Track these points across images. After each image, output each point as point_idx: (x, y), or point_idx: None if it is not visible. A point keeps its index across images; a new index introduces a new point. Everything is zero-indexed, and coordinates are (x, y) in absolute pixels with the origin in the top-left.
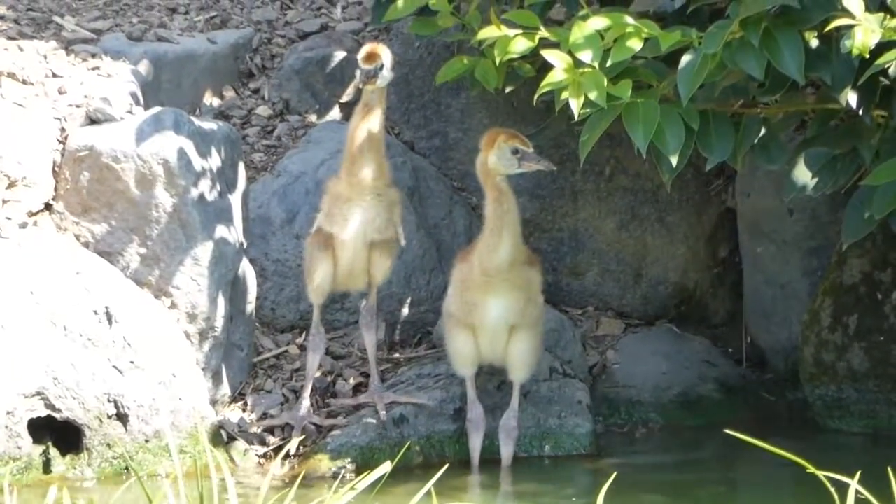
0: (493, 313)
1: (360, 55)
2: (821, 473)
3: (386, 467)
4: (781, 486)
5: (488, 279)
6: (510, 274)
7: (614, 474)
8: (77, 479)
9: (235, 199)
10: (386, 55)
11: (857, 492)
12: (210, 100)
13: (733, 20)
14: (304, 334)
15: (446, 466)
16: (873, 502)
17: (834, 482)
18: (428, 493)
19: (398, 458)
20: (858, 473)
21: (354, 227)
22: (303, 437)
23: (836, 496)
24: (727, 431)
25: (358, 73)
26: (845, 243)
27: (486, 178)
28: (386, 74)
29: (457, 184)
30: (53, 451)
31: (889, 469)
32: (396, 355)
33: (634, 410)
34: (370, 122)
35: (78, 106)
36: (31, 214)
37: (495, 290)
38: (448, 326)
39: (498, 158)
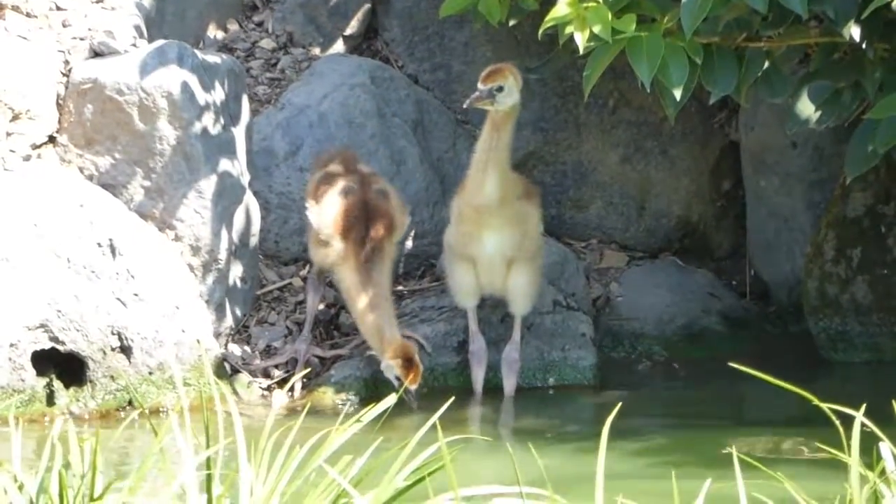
0: (488, 247)
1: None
2: (825, 406)
3: (391, 399)
4: (785, 419)
5: (481, 213)
6: (503, 208)
7: (618, 406)
8: (81, 411)
9: (239, 133)
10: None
11: (862, 424)
12: (214, 33)
13: None
14: (307, 266)
15: (451, 399)
16: (879, 434)
17: (839, 414)
18: (433, 425)
19: (401, 390)
20: (864, 406)
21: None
22: (307, 370)
23: (840, 428)
24: (731, 364)
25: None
26: (849, 176)
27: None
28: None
29: (460, 117)
30: (57, 384)
31: (894, 402)
32: (400, 287)
33: (638, 343)
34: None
35: (82, 39)
36: (35, 147)
37: (489, 224)
38: (448, 258)
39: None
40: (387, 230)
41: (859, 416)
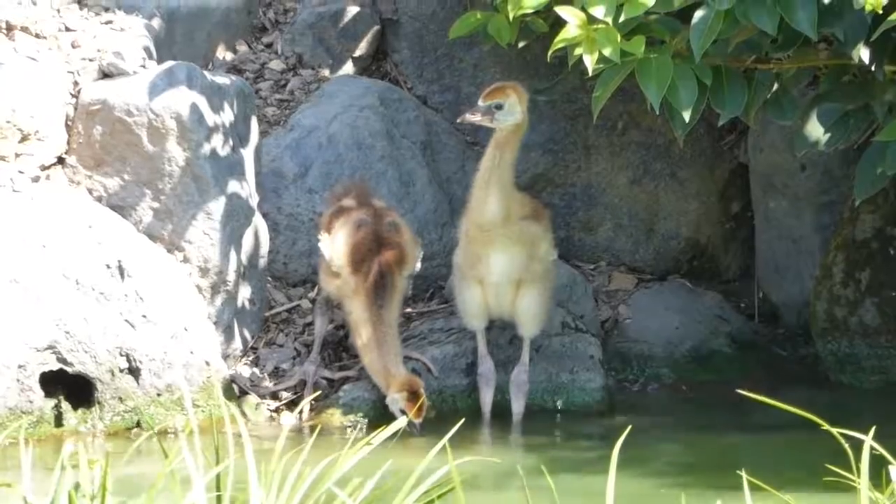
0: (495, 268)
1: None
2: (834, 430)
3: (402, 422)
4: (794, 442)
5: (486, 233)
6: (508, 228)
7: (629, 428)
8: (88, 432)
9: (248, 154)
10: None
11: (871, 447)
12: (223, 54)
13: None
14: (315, 288)
15: (462, 421)
16: (888, 458)
17: (848, 438)
18: (443, 447)
19: (411, 414)
20: (873, 429)
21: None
22: (317, 392)
23: (850, 452)
24: (739, 391)
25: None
26: (858, 199)
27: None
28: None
29: (469, 138)
30: (65, 405)
31: None
32: (409, 310)
33: (646, 365)
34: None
35: (91, 60)
36: (44, 168)
37: (495, 245)
38: (457, 279)
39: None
40: (397, 262)
41: (868, 440)
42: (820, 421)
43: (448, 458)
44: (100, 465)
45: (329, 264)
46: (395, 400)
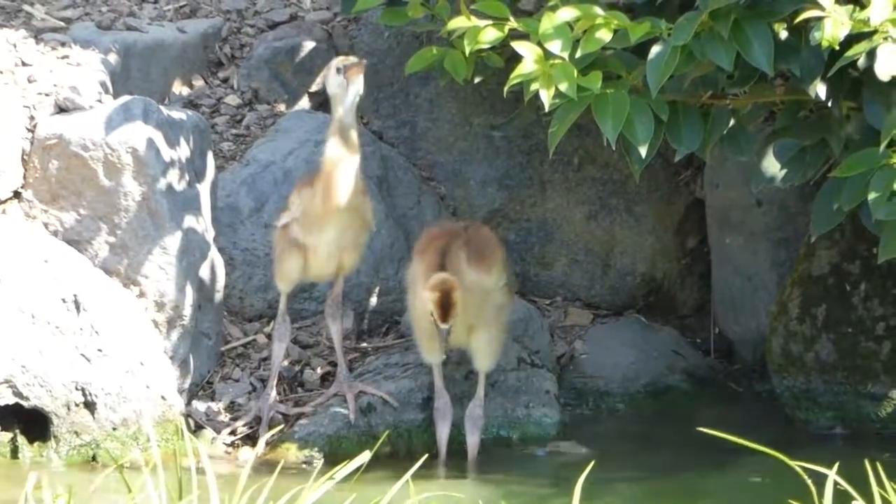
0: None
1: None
2: (796, 464)
3: (365, 457)
4: (754, 478)
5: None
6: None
7: (591, 464)
8: (45, 466)
9: (204, 189)
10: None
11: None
12: (179, 89)
13: (703, 11)
14: (271, 323)
15: (426, 456)
16: (851, 493)
17: (810, 473)
18: (406, 483)
19: (376, 447)
20: (836, 465)
21: (328, 240)
22: (276, 428)
23: (812, 487)
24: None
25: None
26: (814, 235)
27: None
28: (355, 88)
29: (425, 173)
30: (21, 439)
31: (866, 461)
32: (364, 344)
33: (602, 401)
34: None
35: (47, 94)
36: (0, 203)
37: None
38: (413, 317)
39: (422, 302)
40: None
41: (832, 475)
42: (782, 457)
43: (410, 493)
44: (63, 500)
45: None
46: (425, 300)
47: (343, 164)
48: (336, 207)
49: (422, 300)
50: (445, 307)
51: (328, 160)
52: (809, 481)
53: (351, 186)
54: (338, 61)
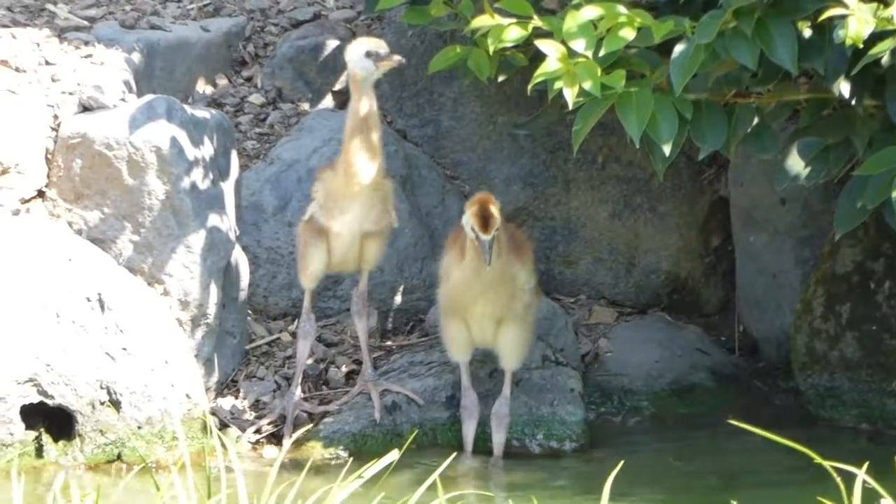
0: (477, 308)
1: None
2: (826, 463)
3: (394, 455)
4: (780, 475)
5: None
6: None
7: (620, 463)
8: (69, 465)
9: (228, 187)
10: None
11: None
12: (203, 88)
13: (726, 10)
14: (296, 321)
15: (454, 455)
16: (880, 492)
17: (838, 472)
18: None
19: (405, 446)
20: (866, 464)
21: (351, 221)
22: (305, 428)
23: (842, 485)
24: (732, 421)
25: (360, 63)
26: (838, 233)
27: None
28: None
29: (449, 172)
30: (46, 438)
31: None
32: (389, 343)
33: (627, 399)
34: (368, 106)
35: (71, 93)
36: (24, 201)
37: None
38: (441, 314)
39: (465, 222)
40: None
41: (861, 474)
42: (812, 454)
43: (438, 493)
44: (91, 499)
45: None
46: (466, 220)
47: (363, 136)
48: (359, 180)
49: (464, 221)
50: (486, 217)
51: (349, 133)
52: (838, 479)
53: (373, 158)
54: (369, 43)
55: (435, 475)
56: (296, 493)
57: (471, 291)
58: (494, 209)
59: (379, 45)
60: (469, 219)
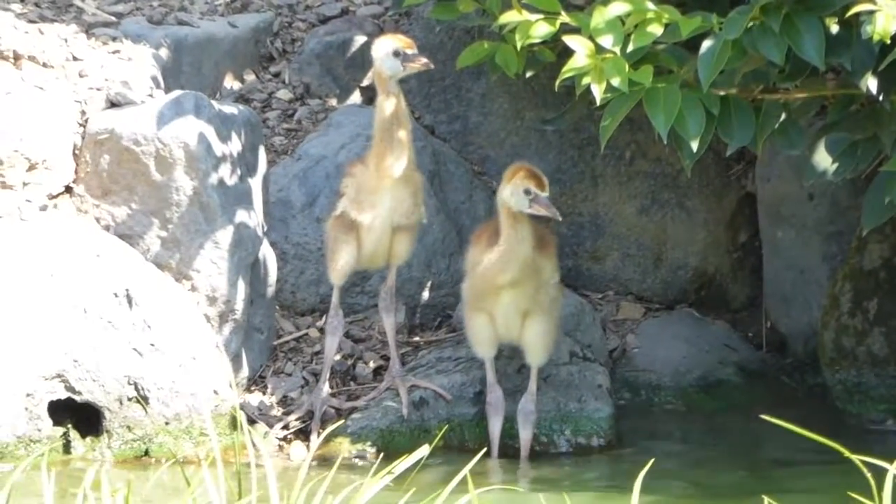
0: (504, 300)
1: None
2: (856, 458)
3: (424, 451)
4: (810, 470)
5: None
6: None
7: (652, 460)
8: (97, 461)
9: (256, 183)
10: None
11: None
12: (230, 83)
13: (754, 5)
14: (324, 317)
15: (483, 451)
16: None
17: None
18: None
19: (434, 442)
20: None
21: (381, 214)
22: (334, 424)
23: (872, 481)
24: (762, 416)
25: (388, 62)
26: (865, 228)
27: (501, 208)
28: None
29: (477, 168)
30: (73, 433)
31: None
32: (416, 339)
33: (654, 394)
34: (396, 104)
35: (98, 89)
36: (52, 197)
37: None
38: (466, 309)
39: (511, 194)
40: None
41: (893, 469)
42: (842, 449)
43: (469, 488)
44: (121, 495)
45: None
46: (515, 186)
47: (391, 131)
48: (389, 173)
49: (509, 196)
50: (538, 175)
51: (377, 128)
52: (868, 474)
53: (402, 151)
54: (397, 41)
55: (465, 471)
56: (326, 490)
57: (501, 277)
58: (537, 169)
59: (408, 45)
60: (520, 182)
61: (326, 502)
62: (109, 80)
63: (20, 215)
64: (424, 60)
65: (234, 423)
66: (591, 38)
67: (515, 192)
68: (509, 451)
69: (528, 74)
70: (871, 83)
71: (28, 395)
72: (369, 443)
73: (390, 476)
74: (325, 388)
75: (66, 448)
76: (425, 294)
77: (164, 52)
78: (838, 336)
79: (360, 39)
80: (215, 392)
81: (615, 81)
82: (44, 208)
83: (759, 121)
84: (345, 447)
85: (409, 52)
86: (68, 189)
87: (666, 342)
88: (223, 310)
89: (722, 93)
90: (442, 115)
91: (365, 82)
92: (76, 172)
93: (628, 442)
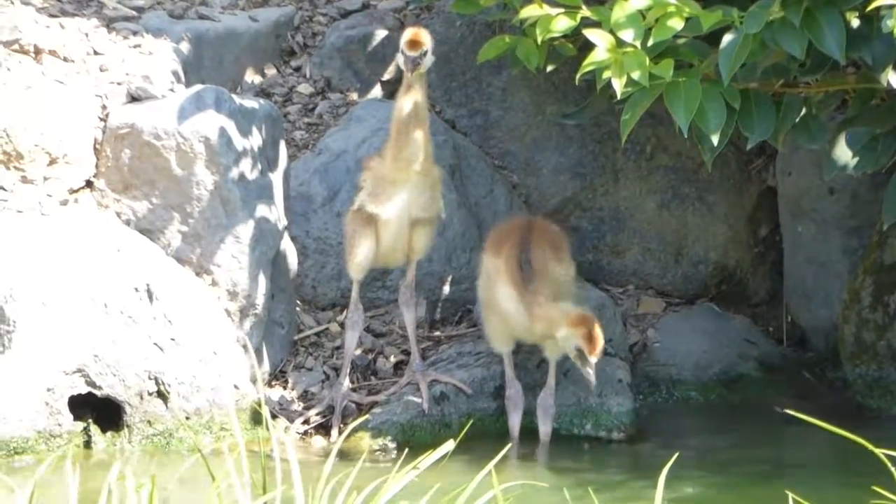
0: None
1: (403, 41)
2: (880, 452)
3: (449, 446)
4: (832, 464)
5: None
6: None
7: (676, 454)
8: (118, 456)
9: (276, 177)
10: (427, 40)
11: None
12: (251, 78)
13: (774, 0)
14: (344, 312)
15: (508, 446)
16: None
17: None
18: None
19: (459, 437)
20: None
21: (399, 207)
22: (357, 421)
23: (895, 473)
24: (785, 410)
25: (401, 58)
26: (886, 223)
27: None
28: (429, 60)
29: (498, 162)
30: (94, 428)
31: None
32: (437, 333)
33: (675, 389)
34: (414, 103)
35: (119, 84)
36: (73, 192)
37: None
38: (482, 306)
39: (564, 341)
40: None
41: None
42: (866, 443)
43: (494, 483)
44: (146, 489)
45: None
46: (569, 336)
47: (411, 123)
48: (407, 160)
49: (563, 338)
50: (594, 339)
51: (397, 119)
52: (893, 468)
53: (420, 144)
54: (408, 49)
55: (490, 466)
56: (350, 485)
57: (516, 331)
58: (599, 330)
59: (415, 48)
60: (575, 339)
61: (351, 498)
62: (130, 75)
63: (41, 210)
64: (410, 66)
65: (254, 418)
66: (612, 32)
67: (566, 342)
68: (530, 444)
69: (549, 68)
70: (891, 77)
71: (48, 389)
72: (390, 437)
73: (415, 472)
74: (346, 383)
75: (87, 443)
76: (446, 288)
77: (184, 47)
78: (859, 330)
79: (380, 33)
80: (236, 387)
81: (636, 75)
82: (64, 203)
83: (779, 115)
84: (365, 441)
85: (409, 52)
86: (89, 184)
87: (686, 337)
88: (244, 304)
89: (743, 87)
90: (463, 110)
91: (386, 76)
92: (97, 167)
93: (649, 436)
